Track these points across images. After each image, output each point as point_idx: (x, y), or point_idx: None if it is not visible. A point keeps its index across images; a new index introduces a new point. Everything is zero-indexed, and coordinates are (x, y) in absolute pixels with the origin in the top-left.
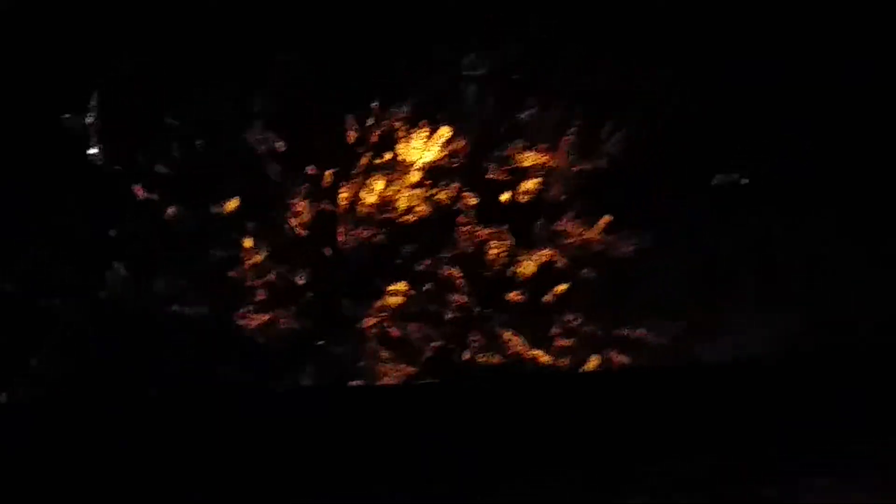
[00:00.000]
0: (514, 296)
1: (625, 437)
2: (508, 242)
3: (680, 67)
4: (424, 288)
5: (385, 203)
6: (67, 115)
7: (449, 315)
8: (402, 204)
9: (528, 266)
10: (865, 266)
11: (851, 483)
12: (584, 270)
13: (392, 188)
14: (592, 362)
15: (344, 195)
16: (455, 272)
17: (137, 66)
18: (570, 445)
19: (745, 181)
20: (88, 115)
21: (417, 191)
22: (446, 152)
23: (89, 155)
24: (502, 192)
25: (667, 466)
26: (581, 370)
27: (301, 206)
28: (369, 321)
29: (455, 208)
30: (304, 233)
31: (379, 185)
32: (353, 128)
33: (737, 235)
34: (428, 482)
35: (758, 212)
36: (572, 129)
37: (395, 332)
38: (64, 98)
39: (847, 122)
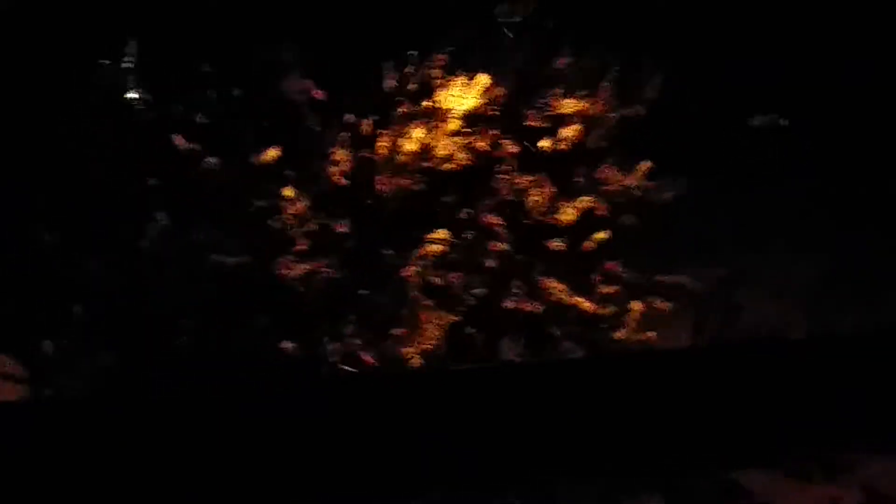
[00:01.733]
0: (555, 243)
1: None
2: (548, 190)
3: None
4: (465, 236)
5: (424, 151)
6: (105, 61)
7: (490, 263)
8: (440, 152)
9: (568, 213)
10: None
11: None
12: (625, 217)
13: (431, 136)
14: (635, 309)
15: (383, 144)
16: (495, 220)
17: (174, 14)
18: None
19: (784, 122)
20: (125, 61)
21: (456, 139)
22: (485, 100)
23: (126, 101)
24: (541, 140)
25: None
26: (623, 318)
27: (340, 154)
28: (410, 269)
29: (494, 156)
30: (343, 182)
31: (418, 133)
32: (391, 76)
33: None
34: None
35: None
36: (610, 76)
37: (436, 280)
38: (101, 44)
39: None
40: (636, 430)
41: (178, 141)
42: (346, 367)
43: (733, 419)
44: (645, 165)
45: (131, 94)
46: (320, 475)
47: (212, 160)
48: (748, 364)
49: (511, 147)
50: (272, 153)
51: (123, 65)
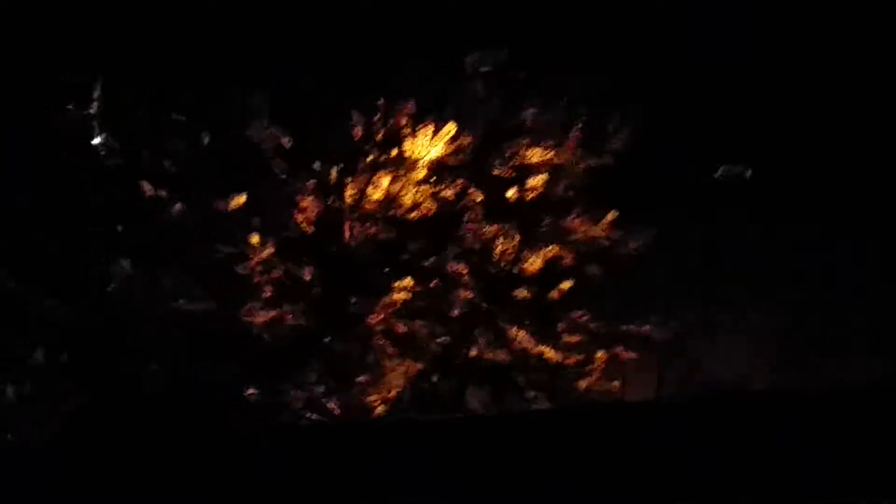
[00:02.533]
0: (520, 292)
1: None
2: (515, 239)
3: (684, 63)
4: (431, 284)
5: (391, 199)
6: (70, 107)
7: (455, 311)
8: (407, 200)
9: (534, 262)
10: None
11: None
12: (591, 267)
13: (398, 185)
14: (599, 358)
15: (350, 192)
16: (461, 268)
17: (142, 59)
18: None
19: (749, 173)
20: (92, 107)
21: (423, 187)
22: (452, 149)
23: (92, 147)
24: (508, 189)
25: None
26: (588, 367)
27: (307, 202)
28: (376, 317)
29: (461, 205)
30: (310, 229)
31: (385, 181)
32: (359, 124)
33: (742, 231)
34: None
35: (762, 207)
36: (578, 126)
37: (401, 328)
38: (67, 89)
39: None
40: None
41: (145, 187)
42: (310, 415)
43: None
44: (611, 215)
45: (97, 140)
46: None
47: (178, 206)
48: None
49: (478, 196)
50: (239, 200)
51: (90, 110)
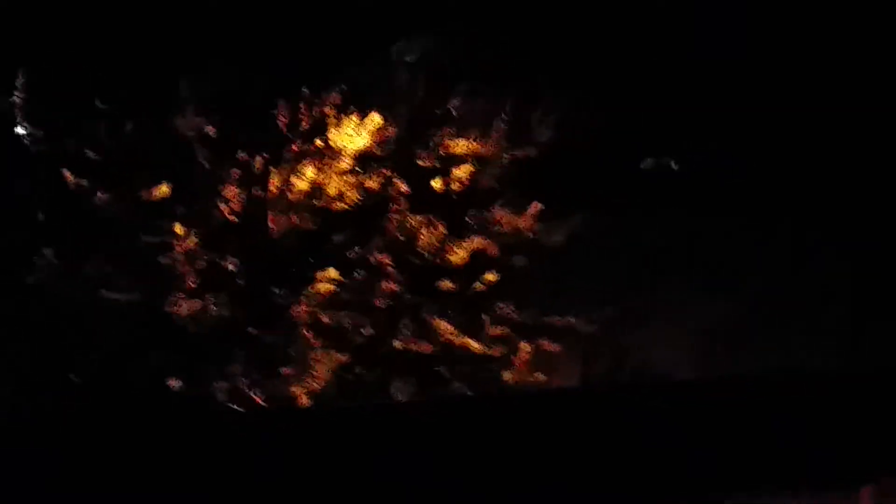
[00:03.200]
0: (445, 283)
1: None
2: (439, 230)
3: (612, 53)
4: (355, 275)
5: (316, 190)
6: None
7: (380, 302)
8: (332, 190)
9: (459, 254)
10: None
11: None
12: (515, 258)
13: (323, 175)
14: (524, 350)
15: (275, 181)
16: (386, 259)
17: (65, 47)
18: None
19: (675, 166)
20: (14, 95)
21: (348, 177)
22: (377, 139)
23: (15, 135)
24: (433, 180)
25: None
26: (512, 359)
27: (232, 192)
28: (300, 308)
29: (386, 195)
30: (234, 219)
31: (309, 171)
32: (284, 114)
33: (667, 223)
34: None
35: (689, 199)
36: (503, 117)
37: (326, 319)
38: None
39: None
40: (518, 472)
41: (68, 176)
42: (233, 405)
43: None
44: (536, 206)
45: (20, 129)
46: None
47: (102, 195)
48: (631, 406)
49: (403, 186)
50: (163, 189)
51: (12, 98)
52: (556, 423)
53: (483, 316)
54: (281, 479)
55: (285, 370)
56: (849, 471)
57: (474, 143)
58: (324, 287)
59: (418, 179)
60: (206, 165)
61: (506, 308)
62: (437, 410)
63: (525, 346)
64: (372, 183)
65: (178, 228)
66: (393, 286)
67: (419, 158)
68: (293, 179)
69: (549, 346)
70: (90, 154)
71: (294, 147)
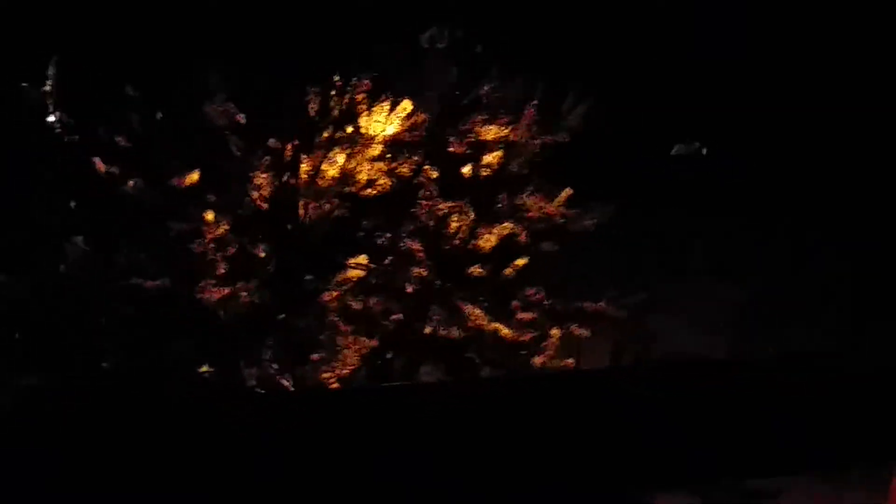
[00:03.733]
0: (475, 269)
1: None
2: (469, 216)
3: (642, 41)
4: (385, 261)
5: (346, 176)
6: (25, 84)
7: (410, 288)
8: (362, 177)
9: (488, 240)
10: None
11: None
12: (545, 244)
13: (353, 161)
14: (553, 335)
15: (305, 168)
16: (416, 245)
17: (96, 34)
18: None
19: (704, 151)
20: (46, 83)
21: (378, 164)
22: (407, 125)
23: (47, 124)
24: (463, 166)
25: None
26: (543, 344)
27: (262, 178)
28: (330, 295)
29: (416, 182)
30: (265, 206)
31: (340, 158)
32: (315, 101)
33: (696, 207)
34: None
35: (717, 186)
36: (533, 103)
37: (356, 305)
38: (21, 66)
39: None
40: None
41: (99, 164)
42: (263, 392)
43: (651, 443)
44: (566, 192)
45: (52, 117)
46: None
47: (132, 183)
48: (663, 387)
49: (433, 173)
50: (193, 176)
51: (44, 87)
52: (576, 405)
53: (513, 301)
54: (309, 460)
55: (315, 356)
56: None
57: (504, 130)
58: (354, 273)
59: (448, 166)
60: (237, 152)
61: (536, 293)
62: (461, 391)
63: (555, 332)
64: (402, 169)
65: (209, 215)
66: (423, 272)
67: (449, 145)
68: (324, 166)
69: (578, 331)
70: (121, 141)
71: (325, 134)
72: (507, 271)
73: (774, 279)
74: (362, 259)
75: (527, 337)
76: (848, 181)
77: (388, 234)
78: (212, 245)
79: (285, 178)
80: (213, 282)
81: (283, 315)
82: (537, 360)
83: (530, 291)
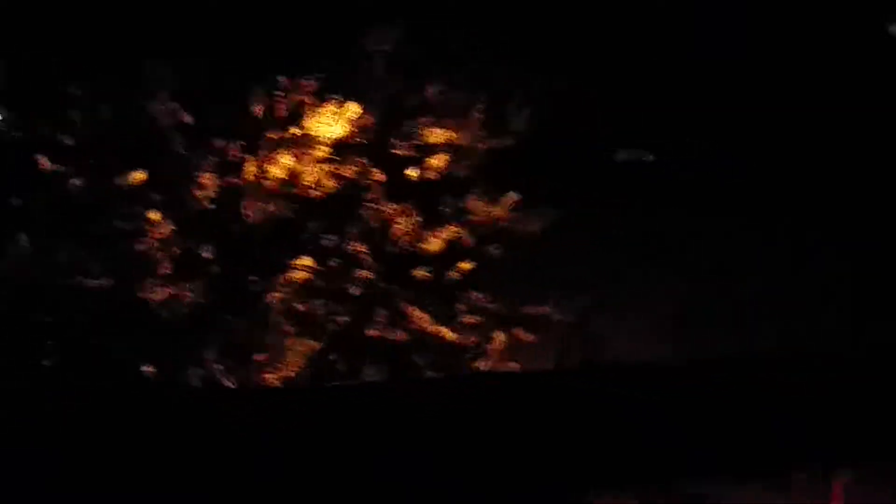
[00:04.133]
0: (419, 272)
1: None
2: (414, 219)
3: (590, 45)
4: (330, 263)
5: (292, 178)
6: None
7: (354, 291)
8: (308, 178)
9: (434, 243)
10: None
11: None
12: (491, 248)
13: (299, 163)
14: (498, 339)
15: (250, 169)
16: (361, 248)
17: (40, 32)
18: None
19: (650, 158)
20: None
21: (324, 166)
22: (354, 128)
23: None
24: (409, 169)
25: None
26: (485, 347)
27: (207, 179)
28: (274, 295)
29: (362, 184)
30: (209, 206)
31: (286, 159)
32: (260, 101)
33: (640, 214)
34: None
35: (662, 192)
36: (479, 106)
37: (300, 307)
38: None
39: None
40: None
41: (43, 162)
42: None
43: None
44: (512, 196)
45: None
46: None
47: (77, 181)
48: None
49: (378, 175)
50: (138, 176)
51: None
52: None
53: (457, 305)
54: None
55: (258, 357)
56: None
57: (450, 133)
58: (298, 275)
59: (394, 168)
60: (182, 152)
61: (480, 297)
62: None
63: (499, 336)
64: (348, 171)
65: (153, 215)
66: (367, 274)
67: (395, 147)
68: (269, 167)
69: (523, 335)
70: (64, 139)
71: (270, 135)
72: (453, 274)
73: (728, 277)
74: (307, 260)
75: (471, 340)
76: (845, 179)
77: (334, 236)
78: (156, 244)
79: (230, 178)
80: (157, 281)
81: (227, 316)
82: (481, 365)
83: (475, 295)
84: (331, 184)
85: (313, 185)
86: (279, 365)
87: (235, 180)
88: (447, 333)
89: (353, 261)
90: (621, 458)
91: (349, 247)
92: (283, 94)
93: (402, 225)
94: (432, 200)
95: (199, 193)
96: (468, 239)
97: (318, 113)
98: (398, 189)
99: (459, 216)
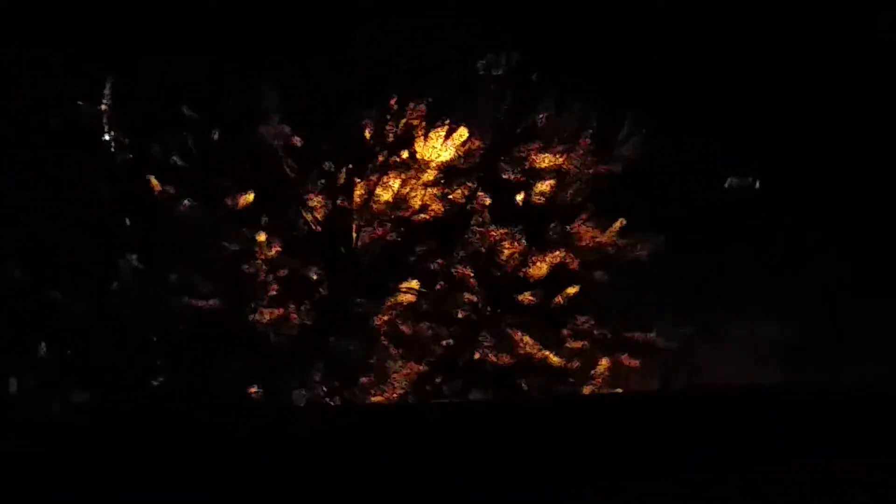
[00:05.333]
0: (525, 296)
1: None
2: (521, 243)
3: (696, 74)
4: (436, 286)
5: (399, 201)
6: (81, 103)
7: (460, 314)
8: (416, 202)
9: (540, 267)
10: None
11: None
12: (596, 273)
13: (407, 186)
14: (602, 364)
15: (359, 192)
16: (467, 271)
17: (154, 55)
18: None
19: (757, 184)
20: (102, 103)
21: (432, 189)
22: (462, 152)
23: (103, 142)
24: (517, 193)
25: None
26: (592, 372)
27: (316, 201)
28: (381, 318)
29: (469, 208)
30: (318, 228)
31: (394, 182)
32: (371, 125)
33: (749, 241)
34: None
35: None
36: (588, 132)
37: (406, 329)
38: (78, 85)
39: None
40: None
41: (154, 183)
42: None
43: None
44: (619, 222)
45: (107, 136)
46: None
47: (187, 202)
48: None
49: (486, 199)
50: (248, 197)
51: (101, 106)
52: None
53: (563, 330)
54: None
55: (364, 379)
56: None
57: (559, 158)
58: (405, 297)
59: (502, 193)
60: (291, 174)
61: (585, 322)
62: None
63: (604, 361)
64: (456, 195)
65: (261, 237)
66: (473, 298)
67: (503, 172)
68: (378, 190)
69: (628, 360)
70: (176, 161)
71: (379, 158)
72: (558, 299)
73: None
74: (414, 284)
75: (575, 365)
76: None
77: (440, 260)
78: (264, 266)
79: (339, 201)
80: (265, 303)
81: (334, 338)
82: (585, 390)
83: (580, 320)
84: (438, 207)
85: (421, 209)
86: (385, 387)
87: (344, 203)
88: (552, 358)
89: (460, 284)
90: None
91: (456, 270)
92: (392, 118)
93: (509, 249)
94: (539, 225)
95: (307, 216)
96: (574, 264)
97: (428, 137)
98: (505, 213)
99: (566, 241)
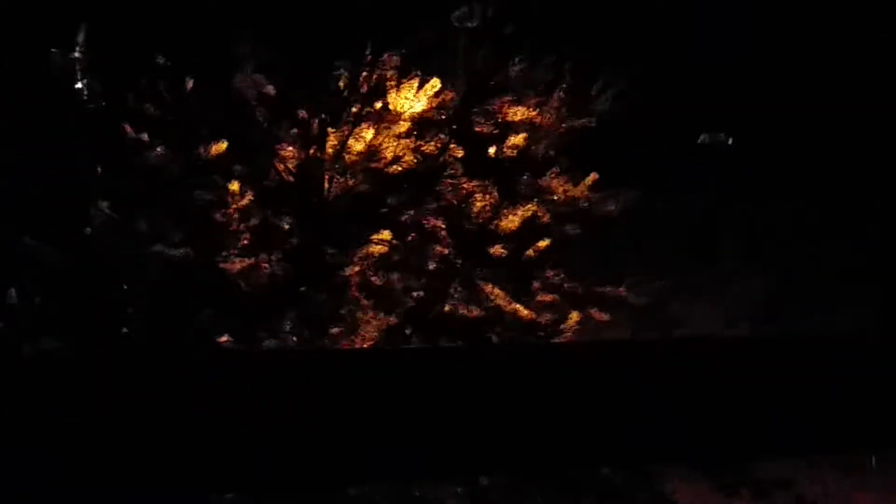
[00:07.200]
0: (496, 249)
1: None
2: (493, 196)
3: (672, 27)
4: (408, 238)
5: (372, 152)
6: (54, 50)
7: (431, 266)
8: (388, 154)
9: (511, 220)
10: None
11: None
12: (568, 227)
13: (380, 138)
14: (573, 318)
15: (332, 142)
16: (439, 223)
17: (127, 3)
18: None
19: (730, 141)
20: (75, 50)
21: (405, 141)
22: (435, 104)
23: (75, 90)
24: (489, 146)
25: None
26: (562, 326)
27: (288, 151)
28: (352, 269)
29: (441, 160)
30: (290, 178)
31: (367, 133)
32: (344, 75)
33: (722, 196)
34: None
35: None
36: (562, 86)
37: (377, 280)
38: (50, 32)
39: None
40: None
41: (128, 129)
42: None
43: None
44: (591, 176)
45: (80, 84)
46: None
47: (159, 150)
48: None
49: (458, 152)
50: (220, 146)
51: (73, 54)
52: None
53: (533, 283)
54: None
55: (334, 330)
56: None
57: (532, 112)
58: (376, 248)
59: (474, 145)
60: (264, 124)
61: (556, 276)
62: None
63: (574, 315)
64: (428, 147)
65: (234, 186)
66: (444, 250)
67: (476, 124)
68: (350, 141)
69: (598, 315)
70: (149, 109)
71: (353, 109)
72: (529, 252)
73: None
74: (385, 235)
75: (546, 318)
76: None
77: (412, 212)
78: (235, 215)
79: (312, 151)
80: (236, 252)
81: (304, 288)
82: (555, 343)
83: (551, 273)
84: (410, 159)
85: (393, 161)
86: (355, 338)
87: (317, 153)
88: (522, 311)
89: (431, 236)
90: (690, 436)
91: (427, 222)
92: (366, 69)
93: (481, 202)
94: (511, 178)
95: (280, 166)
96: (546, 217)
97: (401, 88)
98: (477, 166)
99: (538, 194)
